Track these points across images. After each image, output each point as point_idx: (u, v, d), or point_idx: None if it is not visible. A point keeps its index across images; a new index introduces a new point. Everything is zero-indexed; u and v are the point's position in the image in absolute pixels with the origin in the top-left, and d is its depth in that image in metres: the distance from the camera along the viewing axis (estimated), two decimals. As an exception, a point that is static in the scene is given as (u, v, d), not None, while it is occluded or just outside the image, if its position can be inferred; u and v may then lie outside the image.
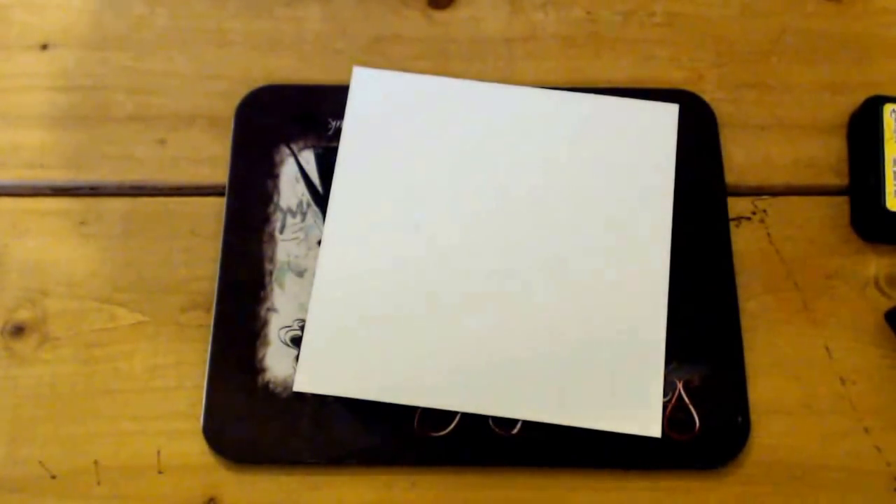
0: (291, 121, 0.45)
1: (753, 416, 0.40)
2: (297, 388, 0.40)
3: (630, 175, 0.43)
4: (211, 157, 0.45)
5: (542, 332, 0.41)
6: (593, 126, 0.44)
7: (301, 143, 0.45)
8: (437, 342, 0.40)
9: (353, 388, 0.40)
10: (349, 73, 0.46)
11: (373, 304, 0.41)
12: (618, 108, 0.45)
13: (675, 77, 0.46)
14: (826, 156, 0.45)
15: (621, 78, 0.46)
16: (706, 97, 0.45)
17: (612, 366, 0.40)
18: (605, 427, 0.39)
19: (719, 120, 0.45)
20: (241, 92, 0.46)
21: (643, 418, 0.39)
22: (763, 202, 0.44)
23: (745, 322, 0.41)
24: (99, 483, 0.39)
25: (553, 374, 0.40)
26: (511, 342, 0.40)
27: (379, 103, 0.45)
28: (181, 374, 0.41)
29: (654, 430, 0.39)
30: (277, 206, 0.43)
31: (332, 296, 0.41)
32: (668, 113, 0.45)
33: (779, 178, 0.44)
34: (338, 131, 0.45)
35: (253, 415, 0.39)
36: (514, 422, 0.39)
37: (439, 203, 0.43)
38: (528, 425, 0.39)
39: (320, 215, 0.43)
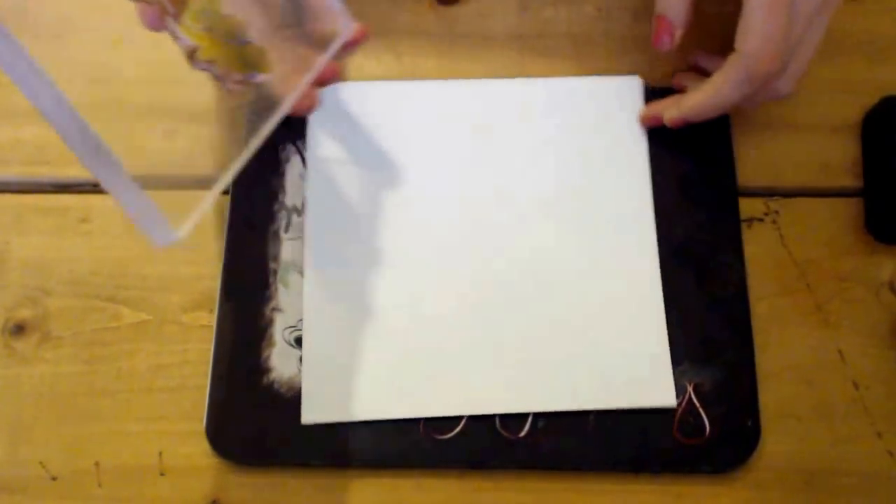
0: (297, 118, 0.44)
1: (764, 421, 0.39)
2: (304, 420, 0.39)
3: (605, 154, 0.43)
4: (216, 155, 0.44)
5: (542, 327, 0.40)
6: (559, 110, 0.44)
7: (307, 141, 0.44)
8: (436, 352, 0.40)
9: (361, 411, 0.39)
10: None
11: (367, 324, 0.40)
12: (580, 88, 0.44)
13: (687, 75, 0.46)
14: (840, 156, 0.44)
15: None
16: (718, 96, 0.45)
17: (616, 347, 0.40)
18: (620, 405, 0.39)
19: (732, 119, 0.44)
20: (247, 88, 0.45)
21: (655, 390, 0.39)
22: (775, 203, 0.43)
23: (757, 325, 0.41)
24: (100, 485, 0.39)
25: (560, 366, 0.39)
26: (513, 341, 0.40)
27: (340, 117, 0.44)
28: (184, 374, 0.40)
29: (669, 398, 0.39)
30: (283, 204, 0.43)
31: (323, 323, 0.40)
32: (632, 85, 0.44)
33: (791, 179, 0.44)
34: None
35: (257, 416, 0.39)
36: (521, 424, 0.39)
37: (415, 209, 0.42)
38: (536, 428, 0.39)
39: (326, 214, 0.42)
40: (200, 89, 0.45)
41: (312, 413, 0.39)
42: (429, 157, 0.43)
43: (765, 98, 0.40)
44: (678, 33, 0.40)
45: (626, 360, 0.39)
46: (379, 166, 0.43)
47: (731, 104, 0.40)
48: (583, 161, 0.43)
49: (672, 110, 0.41)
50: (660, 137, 0.43)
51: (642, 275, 0.41)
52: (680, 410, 0.39)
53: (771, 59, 0.37)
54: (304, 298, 0.41)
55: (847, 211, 0.43)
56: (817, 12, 0.38)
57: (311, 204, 0.42)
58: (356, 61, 0.45)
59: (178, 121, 0.45)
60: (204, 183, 0.43)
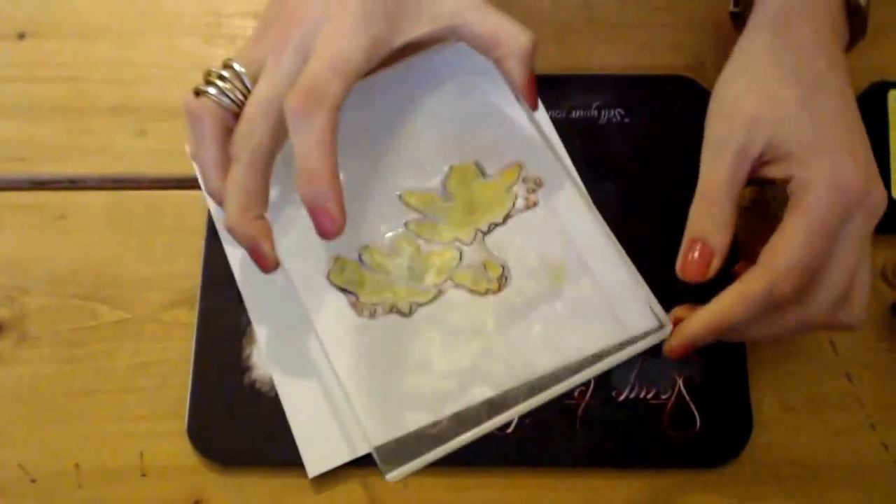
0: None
1: (756, 413, 0.39)
2: (311, 475, 0.37)
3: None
4: (195, 149, 0.43)
5: (515, 309, 0.39)
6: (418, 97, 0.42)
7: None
8: (420, 361, 0.38)
9: (360, 447, 0.38)
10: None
11: (343, 363, 0.38)
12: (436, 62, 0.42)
13: (675, 63, 0.45)
14: (830, 143, 0.43)
15: (619, 65, 0.45)
16: (707, 84, 0.44)
17: (591, 296, 0.38)
18: (628, 354, 0.35)
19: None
20: (226, 81, 0.44)
21: (641, 319, 0.36)
22: (768, 191, 0.42)
23: (748, 316, 0.40)
24: (80, 486, 0.38)
25: (545, 334, 0.38)
26: (491, 329, 0.39)
27: None
28: (164, 373, 0.40)
29: (667, 329, 0.36)
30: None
31: (294, 378, 0.39)
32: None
33: (782, 167, 0.43)
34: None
35: (239, 415, 0.38)
36: (509, 420, 0.38)
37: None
38: (524, 424, 0.38)
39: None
40: (169, 88, 0.45)
41: (316, 464, 0.38)
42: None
43: (825, 327, 0.35)
44: (716, 263, 0.34)
45: (603, 304, 0.38)
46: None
47: (739, 326, 0.33)
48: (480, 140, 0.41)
49: (673, 339, 0.35)
50: (653, 137, 0.43)
51: (595, 231, 0.38)
52: (670, 404, 0.39)
53: (795, 284, 0.32)
54: (267, 362, 0.39)
55: (838, 199, 0.42)
56: (863, 241, 0.34)
57: (241, 274, 0.41)
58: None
59: (148, 120, 0.44)
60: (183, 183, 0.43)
